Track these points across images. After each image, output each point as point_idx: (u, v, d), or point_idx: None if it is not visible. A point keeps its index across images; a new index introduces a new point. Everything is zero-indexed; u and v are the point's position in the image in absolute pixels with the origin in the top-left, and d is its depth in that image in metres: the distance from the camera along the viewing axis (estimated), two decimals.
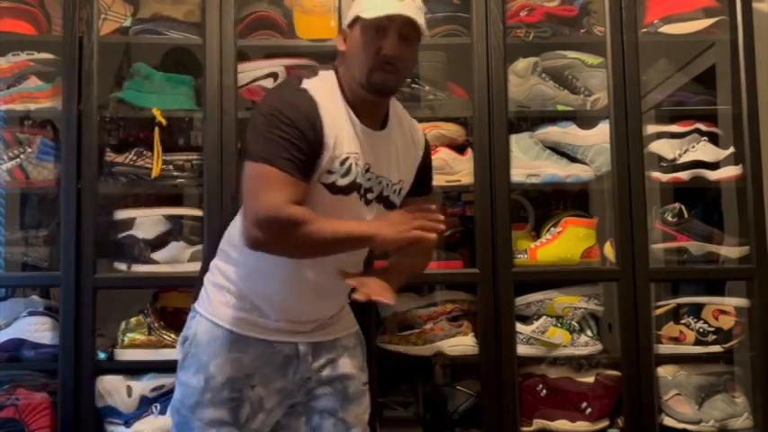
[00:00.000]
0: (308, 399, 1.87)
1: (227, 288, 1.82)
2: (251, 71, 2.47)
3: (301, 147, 1.66)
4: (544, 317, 2.43)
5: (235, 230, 1.80)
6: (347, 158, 1.74)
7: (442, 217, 1.74)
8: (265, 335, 1.81)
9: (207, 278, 1.87)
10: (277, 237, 1.66)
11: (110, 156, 2.43)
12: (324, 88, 1.76)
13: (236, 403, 1.79)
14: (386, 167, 1.84)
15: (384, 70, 1.74)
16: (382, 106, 1.83)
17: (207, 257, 1.93)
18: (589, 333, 2.45)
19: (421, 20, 1.75)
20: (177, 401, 1.84)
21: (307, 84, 1.74)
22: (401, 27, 1.73)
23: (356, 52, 1.76)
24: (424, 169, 1.97)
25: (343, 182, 1.75)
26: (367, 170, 1.79)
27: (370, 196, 1.82)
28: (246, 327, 1.81)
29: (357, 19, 1.75)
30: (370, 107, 1.80)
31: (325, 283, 1.81)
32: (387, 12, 1.70)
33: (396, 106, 1.91)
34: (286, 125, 1.66)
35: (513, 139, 2.47)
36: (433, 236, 1.72)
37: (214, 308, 1.83)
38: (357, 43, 1.75)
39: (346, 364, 1.89)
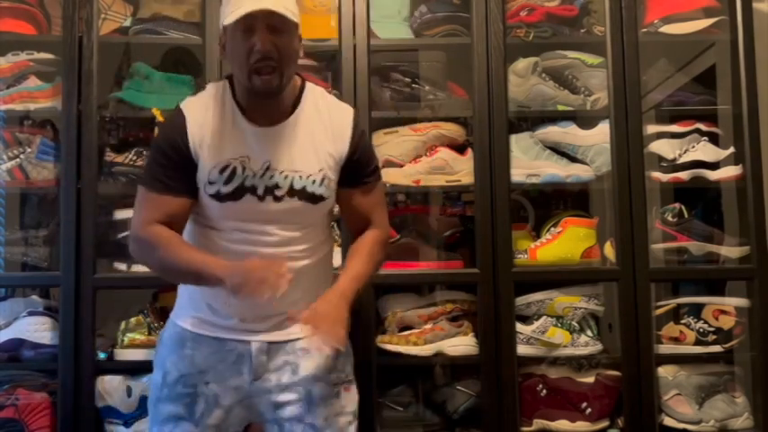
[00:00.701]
0: (273, 408, 1.83)
1: (185, 290, 1.90)
2: None
3: (166, 164, 1.78)
4: (544, 317, 2.43)
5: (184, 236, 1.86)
6: (228, 165, 1.77)
7: (282, 271, 1.63)
8: (217, 333, 1.83)
9: (178, 290, 1.95)
10: (139, 254, 1.84)
11: (110, 156, 2.43)
12: (203, 101, 1.82)
13: (191, 398, 1.81)
14: (295, 160, 1.80)
15: (261, 72, 1.72)
16: (275, 103, 1.80)
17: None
18: (589, 333, 2.45)
19: (282, 7, 1.70)
20: (148, 400, 1.92)
21: (187, 100, 1.84)
22: (266, 20, 1.70)
23: (233, 58, 1.76)
24: (353, 158, 1.85)
25: (226, 189, 1.77)
26: (266, 169, 1.78)
27: (278, 193, 1.79)
28: (199, 325, 1.85)
29: (225, 28, 1.75)
30: (262, 106, 1.79)
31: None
32: (244, 11, 1.68)
33: (315, 94, 1.86)
34: (156, 147, 1.83)
35: (513, 139, 2.47)
36: (269, 294, 1.63)
37: (177, 309, 1.92)
38: (231, 49, 1.76)
39: (308, 367, 1.83)
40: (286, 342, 1.84)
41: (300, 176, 1.80)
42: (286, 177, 1.79)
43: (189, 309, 1.87)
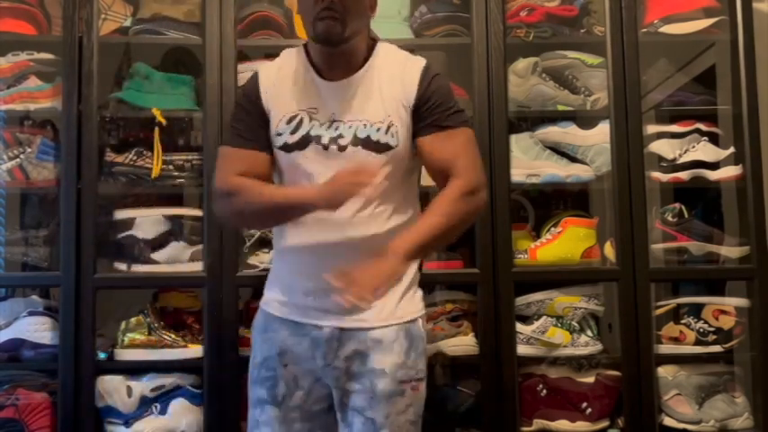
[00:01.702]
0: (341, 394, 1.83)
1: (271, 273, 1.95)
2: (251, 71, 2.46)
3: (243, 118, 1.85)
4: (544, 317, 2.43)
5: None
6: (296, 115, 1.82)
7: (368, 172, 1.66)
8: (293, 315, 1.85)
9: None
10: (223, 207, 1.85)
11: (110, 156, 2.43)
12: (277, 63, 1.91)
13: (272, 381, 1.84)
14: (359, 110, 1.80)
15: (325, 18, 1.74)
16: (344, 55, 1.82)
17: None
18: (589, 333, 2.45)
19: None
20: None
21: (262, 63, 1.97)
22: None
23: (303, 10, 1.81)
24: (425, 99, 1.81)
25: (293, 138, 1.81)
26: (332, 121, 1.81)
27: (342, 142, 1.79)
28: (279, 308, 1.88)
29: None
30: (331, 60, 1.82)
31: (358, 248, 1.74)
32: None
33: (387, 49, 1.89)
34: (235, 105, 1.96)
35: (513, 139, 2.47)
36: (359, 188, 1.66)
37: (264, 296, 1.95)
38: (301, 1, 1.82)
39: (378, 360, 1.79)
40: (357, 330, 1.81)
41: (365, 125, 1.80)
42: (350, 126, 1.81)
43: (269, 292, 1.92)
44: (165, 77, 2.46)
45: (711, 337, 2.44)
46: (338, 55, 1.81)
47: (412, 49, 2.55)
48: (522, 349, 2.39)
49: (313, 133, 1.81)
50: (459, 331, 2.43)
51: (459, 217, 1.79)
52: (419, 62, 1.88)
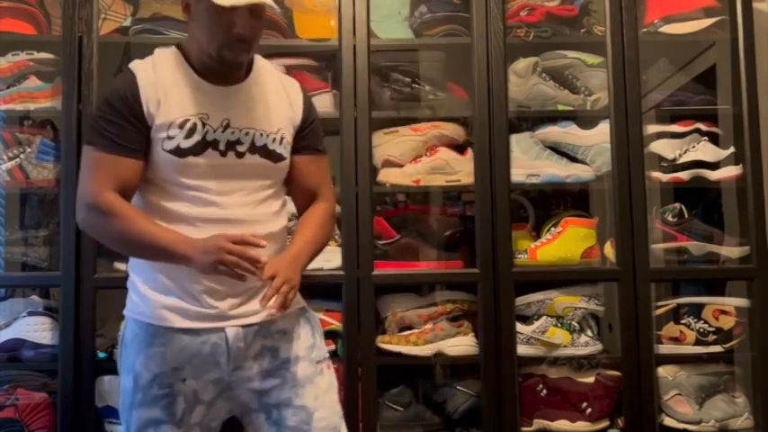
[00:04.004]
0: (258, 397, 1.79)
1: (140, 281, 1.80)
2: None
3: (118, 122, 1.72)
4: (544, 317, 2.43)
5: None
6: (187, 120, 1.75)
7: (263, 259, 1.65)
8: (187, 323, 1.75)
9: (129, 280, 1.86)
10: (90, 223, 1.75)
11: None
12: (153, 63, 1.80)
13: (169, 399, 1.74)
14: (253, 119, 1.82)
15: (236, 48, 1.75)
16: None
17: (127, 261, 1.90)
18: (589, 333, 2.45)
19: None
20: (120, 406, 1.82)
21: (132, 63, 1.81)
22: (252, 6, 1.73)
23: (204, 29, 1.76)
24: (306, 123, 1.91)
25: (187, 143, 1.74)
26: (226, 126, 1.78)
27: (240, 148, 1.79)
28: (163, 316, 1.76)
29: None
30: (220, 69, 1.81)
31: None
32: (234, 2, 1.70)
33: (264, 62, 1.91)
34: (106, 106, 1.75)
35: (514, 138, 2.47)
36: (245, 279, 1.65)
37: (133, 305, 1.82)
38: (204, 20, 1.75)
39: (288, 348, 1.81)
40: (261, 325, 1.80)
41: (261, 134, 1.82)
42: (247, 134, 1.80)
43: (147, 301, 1.78)
44: None
45: (711, 337, 2.44)
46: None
47: (414, 48, 2.61)
48: (522, 349, 2.39)
49: (209, 138, 1.76)
50: (459, 331, 2.43)
51: (328, 235, 1.95)
52: (295, 83, 1.96)
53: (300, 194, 1.94)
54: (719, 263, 2.48)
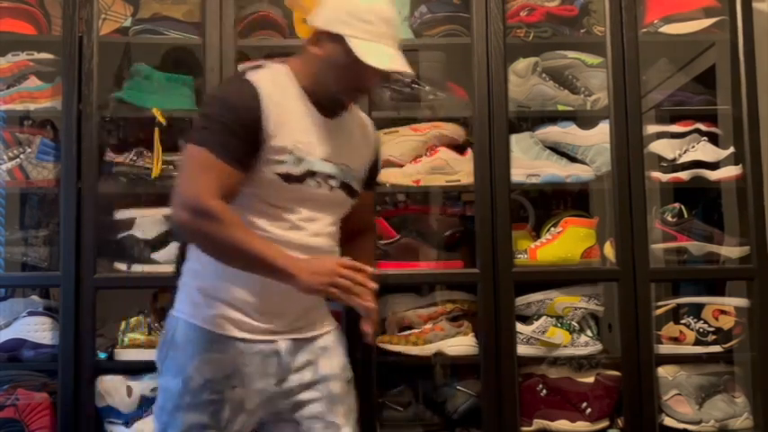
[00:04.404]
0: (293, 408, 1.82)
1: (201, 288, 1.80)
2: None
3: (236, 131, 1.68)
4: (544, 317, 2.43)
5: None
6: (297, 147, 1.75)
7: (372, 285, 1.67)
8: (243, 333, 1.77)
9: (182, 281, 1.85)
10: (194, 224, 1.66)
11: (110, 156, 2.43)
12: (271, 79, 1.77)
13: (217, 406, 1.75)
14: (346, 155, 1.85)
15: (356, 95, 1.84)
16: None
17: (178, 262, 1.90)
18: (589, 333, 2.45)
19: (408, 68, 1.76)
20: (158, 407, 1.82)
21: (251, 75, 1.76)
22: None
23: (333, 70, 1.76)
24: (374, 165, 2.00)
25: (296, 170, 1.75)
26: (327, 158, 1.80)
27: (333, 183, 1.82)
28: (223, 325, 1.77)
29: (343, 40, 1.71)
30: (329, 105, 1.83)
31: None
32: (387, 66, 1.73)
33: None
34: (225, 111, 1.69)
35: (514, 139, 2.47)
36: (356, 302, 1.67)
37: (190, 308, 1.80)
38: (336, 63, 1.75)
39: (326, 365, 1.85)
40: (308, 340, 1.85)
41: (349, 170, 1.86)
42: (341, 169, 1.83)
43: (207, 308, 1.78)
44: (165, 77, 2.46)
45: (711, 337, 2.44)
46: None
47: (414, 48, 2.61)
48: (522, 349, 2.39)
49: (314, 169, 1.78)
50: (459, 331, 2.43)
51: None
52: (369, 120, 2.02)
53: (353, 223, 1.97)
54: (719, 263, 2.48)
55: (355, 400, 1.92)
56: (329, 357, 1.87)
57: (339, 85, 1.78)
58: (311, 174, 1.78)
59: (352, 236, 1.98)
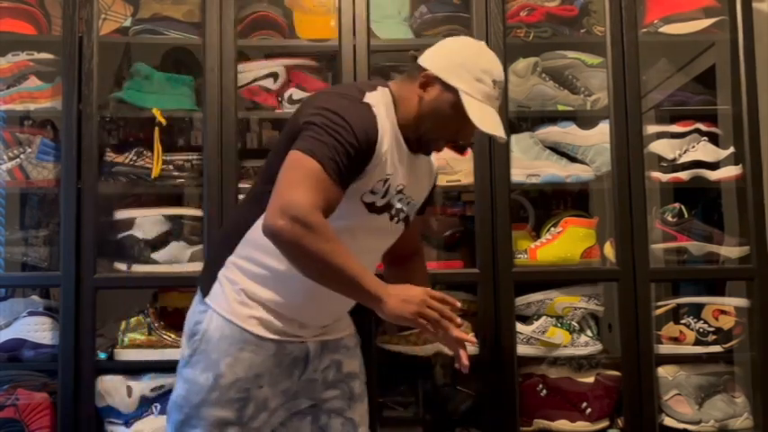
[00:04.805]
0: (314, 403, 1.86)
1: (245, 288, 1.77)
2: (251, 71, 2.47)
3: (351, 155, 1.64)
4: (544, 317, 2.43)
5: (258, 232, 1.69)
6: (387, 179, 1.75)
7: (459, 322, 1.68)
8: (278, 335, 1.78)
9: (223, 273, 1.79)
10: (291, 233, 1.59)
11: (110, 156, 2.43)
12: (383, 105, 1.76)
13: (242, 403, 1.76)
14: (416, 189, 1.88)
15: (444, 146, 1.87)
16: None
17: (220, 251, 1.83)
18: (589, 333, 2.45)
19: (503, 134, 1.80)
20: (180, 398, 1.79)
21: (369, 98, 1.73)
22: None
23: (436, 117, 1.76)
24: (431, 193, 2.04)
25: (380, 202, 1.77)
26: (400, 191, 1.80)
27: (401, 216, 1.84)
28: (260, 327, 1.76)
29: (455, 91, 1.73)
30: (416, 142, 1.83)
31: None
32: (490, 131, 1.75)
33: None
34: (343, 131, 1.64)
35: (514, 139, 2.47)
36: (444, 334, 1.68)
37: (229, 305, 1.77)
38: (441, 112, 1.76)
39: (350, 364, 1.91)
40: (335, 341, 1.89)
41: (414, 204, 1.89)
42: (409, 204, 1.86)
43: (246, 308, 1.76)
44: (165, 77, 2.46)
45: (711, 337, 2.44)
46: None
47: (416, 48, 2.60)
48: (522, 349, 2.39)
49: (392, 203, 1.79)
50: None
51: None
52: (434, 161, 2.01)
53: (402, 248, 1.98)
54: (719, 263, 2.48)
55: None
56: (352, 357, 1.93)
57: (437, 133, 1.79)
58: (390, 207, 1.79)
59: (401, 260, 2.02)
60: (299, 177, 1.63)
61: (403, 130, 1.79)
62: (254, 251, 1.76)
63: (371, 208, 1.75)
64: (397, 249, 1.94)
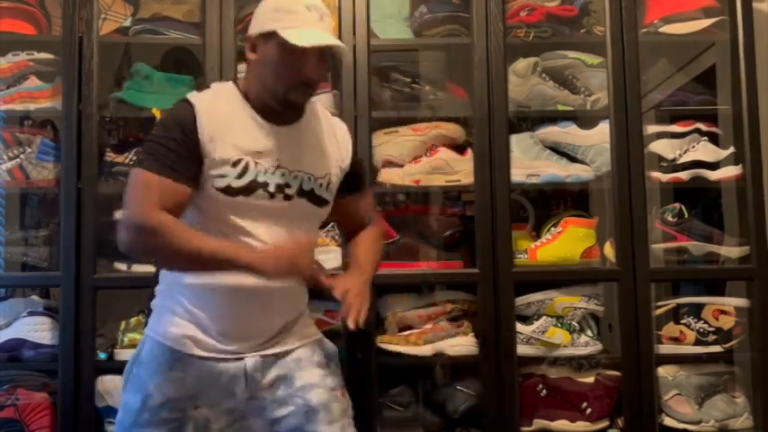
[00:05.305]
0: (270, 425, 1.79)
1: (169, 307, 1.80)
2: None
3: (173, 147, 1.69)
4: (544, 317, 2.43)
5: None
6: (241, 159, 1.74)
7: (309, 254, 1.74)
8: (208, 352, 1.76)
9: (155, 303, 1.85)
10: (141, 243, 1.67)
11: (110, 156, 2.43)
12: (211, 95, 1.79)
13: (177, 423, 1.74)
14: (304, 162, 1.82)
15: (302, 91, 1.78)
16: None
17: (153, 285, 1.88)
18: (589, 333, 2.45)
19: (338, 42, 1.77)
20: (117, 424, 1.80)
21: (190, 95, 1.79)
22: (321, 49, 1.75)
23: (272, 69, 1.75)
24: (353, 168, 1.96)
25: (239, 183, 1.74)
26: (277, 167, 1.78)
27: (288, 192, 1.79)
28: (188, 344, 1.76)
29: (274, 35, 1.73)
30: (279, 110, 1.80)
31: (272, 292, 1.75)
32: (313, 43, 1.71)
33: (316, 104, 1.92)
34: (164, 132, 1.72)
35: (514, 139, 2.47)
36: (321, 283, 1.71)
37: (161, 327, 1.80)
38: (273, 59, 1.75)
39: (304, 377, 1.82)
40: (279, 355, 1.82)
41: (309, 178, 1.82)
42: (296, 177, 1.80)
43: (174, 327, 1.78)
44: (164, 77, 2.46)
45: (711, 337, 2.44)
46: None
47: (414, 48, 2.61)
48: (522, 349, 2.39)
49: (260, 180, 1.75)
50: (459, 331, 2.43)
51: (381, 255, 2.04)
52: (343, 124, 1.99)
53: (350, 227, 2.01)
54: (719, 263, 2.48)
55: (349, 407, 1.87)
56: (305, 369, 1.83)
57: (281, 83, 1.75)
58: (259, 185, 1.75)
59: (348, 239, 2.01)
60: (131, 192, 1.71)
61: (259, 105, 1.79)
62: (170, 274, 1.81)
63: (230, 191, 1.73)
64: (345, 231, 2.01)
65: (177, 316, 1.78)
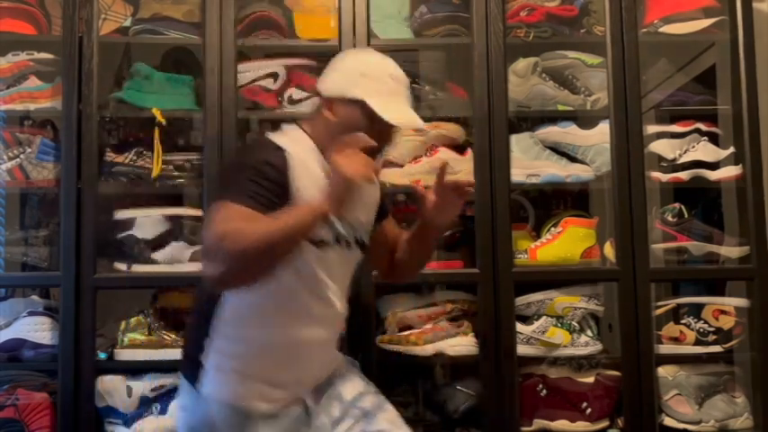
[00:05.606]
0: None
1: (236, 368, 1.78)
2: (251, 71, 2.47)
3: (272, 189, 1.65)
4: (544, 317, 2.43)
5: (228, 306, 1.75)
6: None
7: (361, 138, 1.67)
8: (279, 403, 1.80)
9: (208, 361, 1.78)
10: (233, 244, 1.55)
11: (110, 156, 2.43)
12: (293, 140, 1.78)
13: None
14: (360, 212, 1.86)
15: (375, 154, 1.75)
16: None
17: (197, 336, 1.81)
18: (589, 333, 2.45)
19: (421, 122, 1.80)
20: None
21: (272, 136, 1.78)
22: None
23: (350, 131, 1.71)
24: (382, 200, 2.02)
25: (327, 235, 1.76)
26: (343, 218, 1.77)
27: (351, 241, 1.84)
28: (262, 401, 1.78)
29: (360, 102, 1.73)
30: None
31: (324, 334, 1.83)
32: (404, 123, 1.75)
33: None
34: (251, 171, 1.65)
35: (514, 139, 2.47)
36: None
37: (230, 389, 1.78)
38: (354, 125, 1.73)
39: (348, 390, 1.89)
40: (326, 380, 1.90)
41: (359, 226, 1.87)
42: (352, 227, 1.84)
43: (244, 387, 1.77)
44: (164, 77, 2.46)
45: (711, 337, 2.44)
46: None
47: (414, 48, 2.61)
48: (522, 349, 2.39)
49: (341, 231, 1.78)
50: (459, 331, 2.43)
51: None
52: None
53: (385, 254, 2.05)
54: (719, 263, 2.48)
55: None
56: (346, 382, 1.91)
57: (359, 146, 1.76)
58: (340, 237, 1.79)
59: (389, 264, 2.06)
60: (217, 219, 1.60)
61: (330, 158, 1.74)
62: (228, 327, 1.77)
63: (316, 242, 1.73)
64: (377, 262, 2.05)
65: (244, 376, 1.78)
